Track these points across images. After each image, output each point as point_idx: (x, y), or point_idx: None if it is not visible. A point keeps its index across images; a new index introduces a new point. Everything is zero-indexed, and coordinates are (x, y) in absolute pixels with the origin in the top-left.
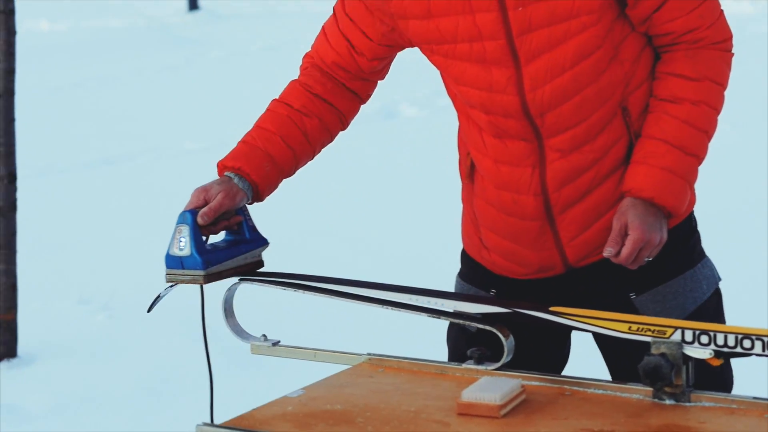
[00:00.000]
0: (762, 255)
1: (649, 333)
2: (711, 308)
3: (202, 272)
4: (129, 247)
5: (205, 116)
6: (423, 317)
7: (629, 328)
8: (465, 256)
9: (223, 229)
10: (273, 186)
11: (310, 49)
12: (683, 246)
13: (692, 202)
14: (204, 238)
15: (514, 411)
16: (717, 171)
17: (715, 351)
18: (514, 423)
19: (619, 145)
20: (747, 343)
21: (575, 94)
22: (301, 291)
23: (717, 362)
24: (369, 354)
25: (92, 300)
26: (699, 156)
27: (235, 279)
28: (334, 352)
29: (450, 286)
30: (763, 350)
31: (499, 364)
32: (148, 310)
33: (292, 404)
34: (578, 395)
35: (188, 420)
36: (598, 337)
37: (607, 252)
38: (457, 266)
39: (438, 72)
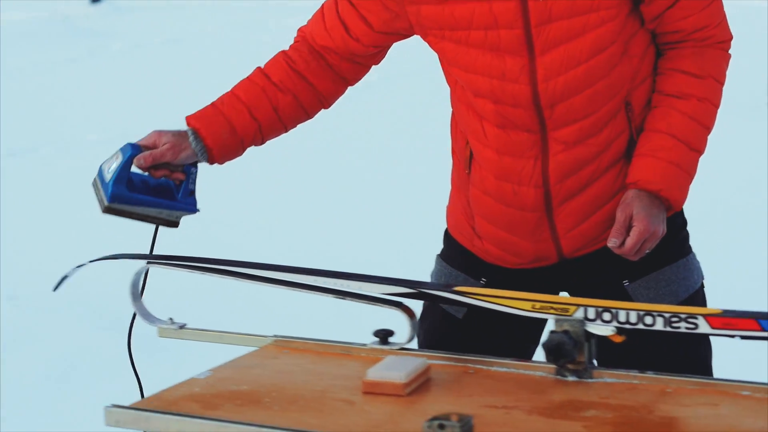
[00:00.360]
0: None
1: (552, 311)
2: (700, 299)
3: (106, 203)
4: (33, 238)
5: (107, 108)
6: (329, 298)
7: (533, 307)
8: (451, 241)
9: (161, 177)
10: (230, 153)
11: (305, 23)
12: (676, 236)
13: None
14: (142, 174)
15: (420, 389)
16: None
17: (617, 328)
18: (419, 401)
19: (620, 139)
20: (649, 320)
21: (587, 87)
22: (207, 274)
23: (619, 339)
24: (275, 336)
25: None
26: (701, 151)
27: (143, 263)
28: (240, 334)
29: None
30: (665, 326)
31: (403, 344)
32: (54, 289)
33: (200, 385)
34: (482, 373)
35: (99, 404)
36: None
37: (612, 242)
38: (408, 245)
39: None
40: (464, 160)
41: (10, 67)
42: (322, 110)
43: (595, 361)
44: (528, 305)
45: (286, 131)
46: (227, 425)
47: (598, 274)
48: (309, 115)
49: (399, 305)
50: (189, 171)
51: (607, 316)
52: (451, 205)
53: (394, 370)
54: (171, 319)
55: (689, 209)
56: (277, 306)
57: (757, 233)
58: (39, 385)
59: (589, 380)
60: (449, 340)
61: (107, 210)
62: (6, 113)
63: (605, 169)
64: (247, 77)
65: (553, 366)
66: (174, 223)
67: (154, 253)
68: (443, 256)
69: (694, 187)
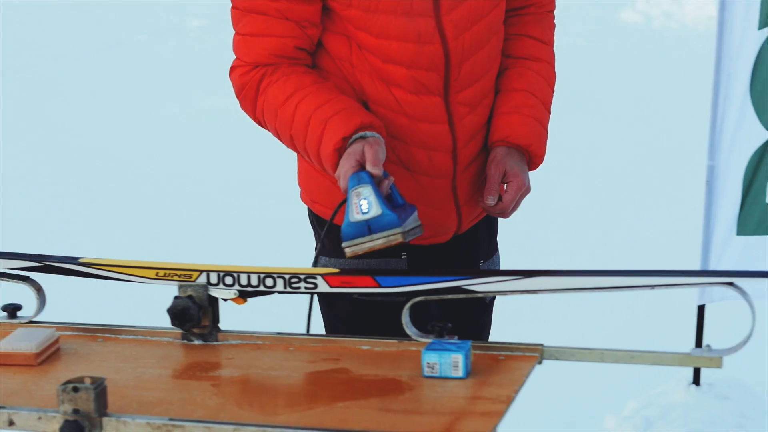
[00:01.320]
0: None
1: (176, 278)
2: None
3: (399, 229)
4: None
5: None
6: None
7: (156, 274)
8: (334, 229)
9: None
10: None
11: (240, 65)
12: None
13: None
14: None
15: (51, 359)
16: None
17: (239, 291)
18: (51, 369)
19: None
20: (269, 282)
21: (487, 42)
22: None
23: (242, 301)
24: None
25: None
26: (550, 112)
27: None
28: None
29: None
30: (285, 287)
31: (31, 317)
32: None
33: None
34: (111, 341)
35: None
36: None
37: (489, 200)
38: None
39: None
40: None
41: None
42: None
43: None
44: (152, 273)
45: None
46: None
47: (469, 250)
48: None
49: (26, 279)
50: (388, 174)
51: (229, 279)
52: (314, 187)
53: (25, 341)
54: None
55: None
56: None
57: None
58: None
59: (215, 343)
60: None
61: (405, 236)
62: None
63: (486, 130)
64: (310, 81)
65: (179, 331)
66: (422, 227)
67: None
68: (329, 253)
69: None
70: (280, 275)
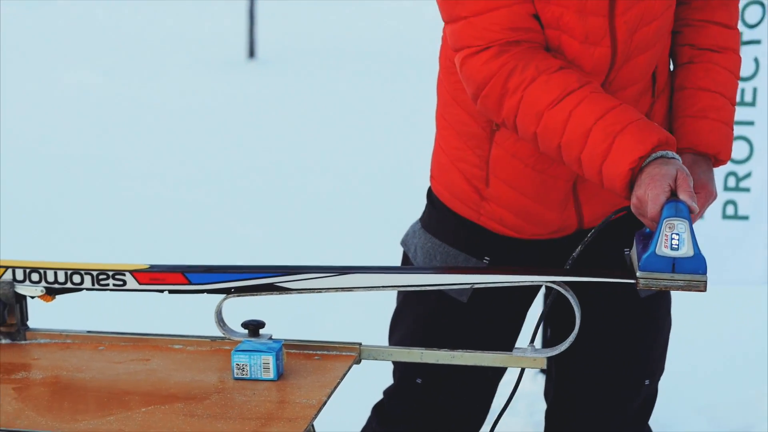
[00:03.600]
0: None
1: None
2: None
3: (705, 276)
4: None
5: None
6: None
7: None
8: (445, 213)
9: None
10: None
11: (473, 51)
12: None
13: None
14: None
15: None
16: None
17: (46, 288)
18: None
19: (645, 98)
20: (77, 278)
21: (651, 46)
22: None
23: (49, 299)
24: None
25: None
26: (734, 105)
27: None
28: None
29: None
30: (93, 284)
31: None
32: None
33: None
34: None
35: None
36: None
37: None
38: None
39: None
40: (483, 119)
41: None
42: None
43: (29, 323)
44: None
45: None
46: None
47: (600, 244)
48: None
49: None
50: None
51: (35, 276)
52: (442, 173)
53: None
54: None
55: None
56: None
57: None
58: None
59: (23, 342)
60: (448, 325)
61: (705, 287)
62: None
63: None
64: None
65: None
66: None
67: None
68: (433, 231)
69: None
70: (88, 272)
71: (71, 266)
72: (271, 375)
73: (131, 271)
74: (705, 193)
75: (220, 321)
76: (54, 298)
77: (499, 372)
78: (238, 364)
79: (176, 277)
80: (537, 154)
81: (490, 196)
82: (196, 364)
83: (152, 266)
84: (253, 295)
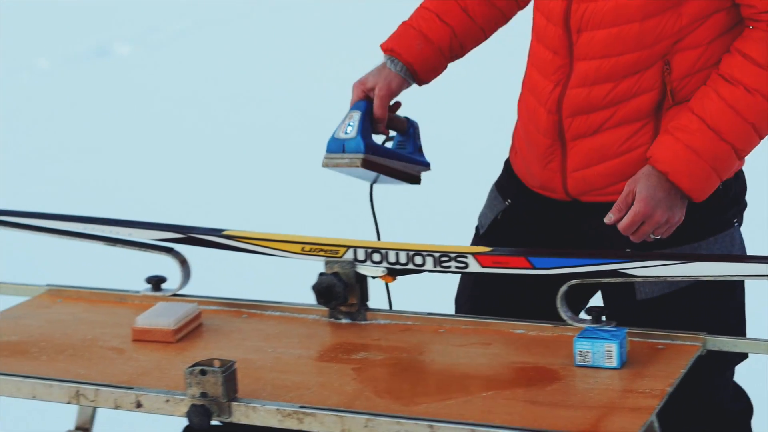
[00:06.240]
0: None
1: (322, 253)
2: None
3: (361, 155)
4: None
5: None
6: (100, 245)
7: (302, 249)
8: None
9: (391, 129)
10: (432, 66)
11: None
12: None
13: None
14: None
15: (191, 335)
16: None
17: (387, 268)
18: (189, 347)
19: (646, 97)
20: (419, 260)
21: (613, 25)
22: None
23: (390, 279)
24: (48, 285)
25: None
26: (736, 146)
27: None
28: (12, 284)
29: None
30: (434, 266)
31: (176, 290)
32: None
33: None
34: (255, 317)
35: None
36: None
37: (608, 218)
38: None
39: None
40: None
41: None
42: None
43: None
44: (297, 248)
45: (485, 35)
46: None
47: (607, 229)
48: (505, 17)
49: (170, 251)
50: (413, 125)
51: (377, 256)
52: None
53: (164, 316)
54: None
55: None
56: (51, 254)
57: None
58: None
59: (363, 322)
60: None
61: (364, 163)
62: None
63: (621, 121)
64: None
65: (326, 309)
66: (417, 179)
67: None
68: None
69: None
70: (430, 253)
71: (413, 247)
72: (614, 363)
73: (474, 254)
74: (637, 207)
75: (563, 306)
76: (395, 279)
77: None
78: (580, 351)
79: (519, 261)
80: (527, 102)
81: (515, 133)
82: (538, 349)
83: (495, 249)
84: (597, 281)
